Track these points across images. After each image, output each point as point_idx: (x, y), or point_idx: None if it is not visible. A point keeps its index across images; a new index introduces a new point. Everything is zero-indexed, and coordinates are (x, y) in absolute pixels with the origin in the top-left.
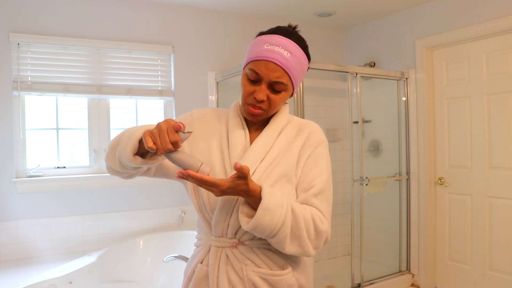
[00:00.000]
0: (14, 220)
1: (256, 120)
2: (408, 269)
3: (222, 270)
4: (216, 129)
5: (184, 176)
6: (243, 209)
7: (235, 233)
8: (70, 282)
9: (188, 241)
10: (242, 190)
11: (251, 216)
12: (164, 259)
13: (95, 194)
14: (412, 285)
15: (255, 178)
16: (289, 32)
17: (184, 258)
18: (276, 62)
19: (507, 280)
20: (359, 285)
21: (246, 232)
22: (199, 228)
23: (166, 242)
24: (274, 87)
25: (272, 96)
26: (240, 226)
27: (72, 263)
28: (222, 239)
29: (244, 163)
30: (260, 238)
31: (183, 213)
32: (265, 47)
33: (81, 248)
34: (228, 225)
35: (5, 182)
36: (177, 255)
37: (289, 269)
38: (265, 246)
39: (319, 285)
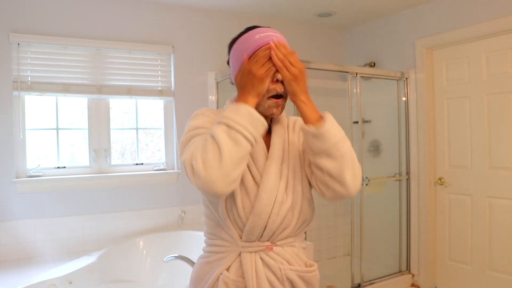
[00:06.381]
0: (14, 220)
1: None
2: (408, 269)
3: (261, 274)
4: None
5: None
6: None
7: (271, 236)
8: (70, 282)
9: (188, 241)
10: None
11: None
12: (164, 259)
13: (95, 194)
14: (412, 285)
15: (282, 177)
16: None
17: (184, 258)
18: (281, 40)
19: (507, 280)
20: (359, 285)
21: (281, 232)
22: (219, 234)
23: (166, 242)
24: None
25: None
26: (276, 228)
27: (72, 263)
28: (255, 243)
29: (270, 163)
30: (287, 236)
31: (183, 213)
32: (257, 36)
33: (81, 248)
34: (265, 228)
35: (5, 182)
36: (177, 255)
37: (316, 264)
38: (291, 243)
39: (319, 285)
